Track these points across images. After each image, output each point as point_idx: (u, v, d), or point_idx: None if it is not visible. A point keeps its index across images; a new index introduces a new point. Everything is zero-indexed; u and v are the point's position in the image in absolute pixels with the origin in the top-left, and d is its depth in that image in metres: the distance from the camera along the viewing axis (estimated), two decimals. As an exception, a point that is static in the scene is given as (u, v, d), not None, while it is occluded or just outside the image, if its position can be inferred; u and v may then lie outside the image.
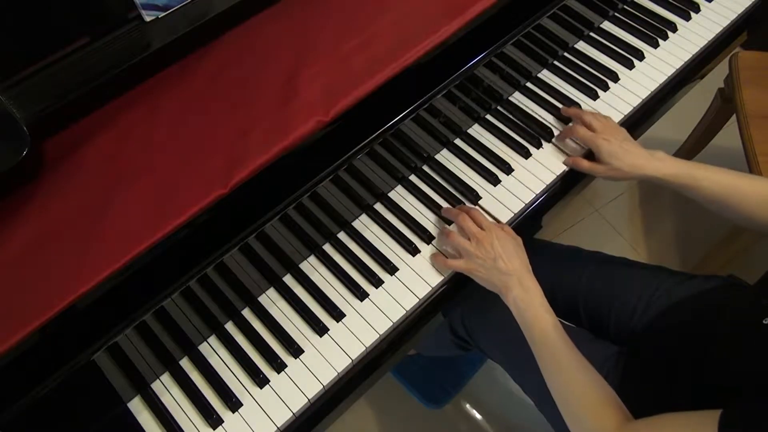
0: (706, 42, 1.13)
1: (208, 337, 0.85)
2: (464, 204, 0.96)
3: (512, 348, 0.99)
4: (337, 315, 0.86)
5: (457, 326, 1.09)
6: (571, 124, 1.01)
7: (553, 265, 1.05)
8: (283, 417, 0.80)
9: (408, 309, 0.87)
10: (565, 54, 1.12)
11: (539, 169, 0.99)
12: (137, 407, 0.80)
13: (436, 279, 0.89)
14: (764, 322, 0.68)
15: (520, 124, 1.04)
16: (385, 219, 0.94)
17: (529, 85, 1.09)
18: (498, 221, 0.93)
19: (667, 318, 0.92)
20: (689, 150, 1.75)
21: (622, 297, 0.98)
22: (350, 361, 0.83)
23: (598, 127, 0.95)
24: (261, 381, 0.82)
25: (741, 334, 0.74)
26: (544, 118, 1.05)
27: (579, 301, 1.02)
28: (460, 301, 1.03)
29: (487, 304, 1.00)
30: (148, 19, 0.78)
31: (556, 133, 1.03)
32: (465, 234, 0.88)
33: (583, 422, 0.73)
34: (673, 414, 0.64)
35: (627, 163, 0.91)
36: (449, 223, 0.93)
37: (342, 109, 0.77)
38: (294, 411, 0.80)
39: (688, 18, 1.17)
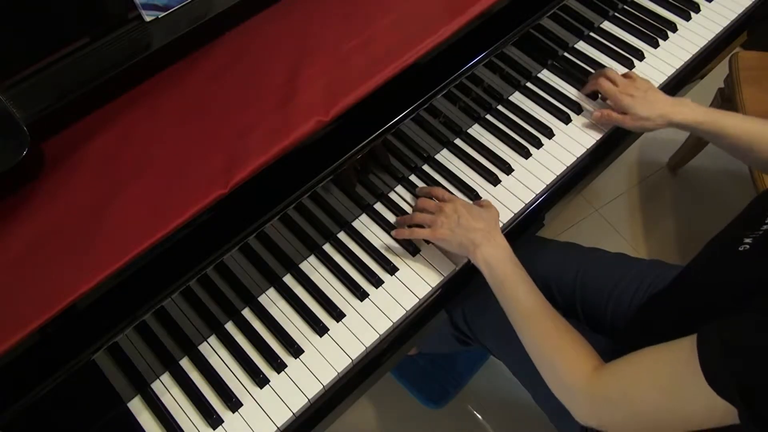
0: (706, 42, 1.13)
1: (208, 337, 0.85)
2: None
3: (512, 342, 0.99)
4: (337, 315, 0.86)
5: (458, 320, 1.09)
6: (594, 80, 1.04)
7: (551, 261, 1.05)
8: (283, 417, 0.80)
9: (408, 309, 0.87)
10: (565, 54, 1.12)
11: (539, 169, 0.99)
12: (137, 407, 0.80)
13: (436, 279, 0.89)
14: (740, 249, 0.68)
15: (520, 124, 1.04)
16: (385, 219, 0.94)
17: (529, 85, 1.09)
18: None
19: (662, 297, 0.92)
20: (689, 149, 1.75)
21: (619, 290, 0.98)
22: (350, 361, 0.83)
23: (621, 83, 0.99)
24: (261, 381, 0.82)
25: (720, 272, 0.74)
26: (544, 118, 1.05)
27: (576, 296, 1.03)
28: (462, 297, 1.04)
29: (489, 299, 1.00)
30: (148, 19, 0.78)
31: (556, 132, 1.03)
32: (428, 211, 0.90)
33: (559, 371, 0.73)
34: (647, 348, 0.64)
35: (653, 113, 0.94)
36: None
37: (342, 109, 0.78)
38: (294, 411, 0.80)
39: (688, 18, 1.17)
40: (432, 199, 0.93)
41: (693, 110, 0.93)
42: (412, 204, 0.96)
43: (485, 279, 0.86)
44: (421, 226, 0.90)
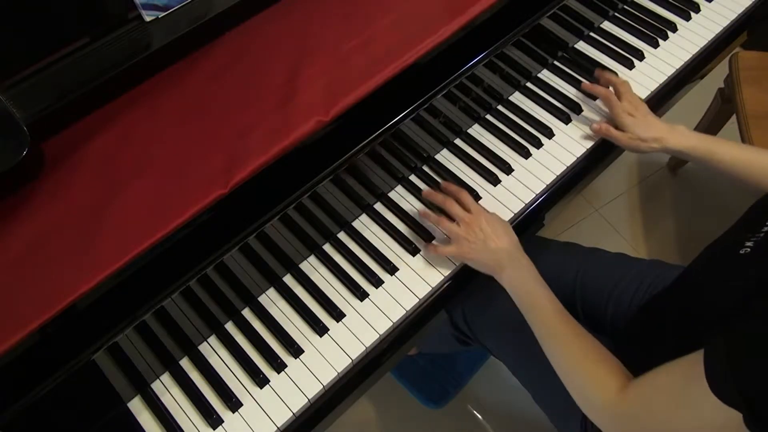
0: (706, 42, 1.13)
1: (208, 337, 0.85)
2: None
3: (512, 342, 0.99)
4: (337, 315, 0.86)
5: (458, 320, 1.10)
6: (599, 86, 1.03)
7: (551, 261, 1.05)
8: (283, 417, 0.80)
9: (408, 309, 0.87)
10: (565, 54, 1.12)
11: (539, 169, 0.99)
12: (137, 407, 0.80)
13: (436, 279, 0.89)
14: (740, 252, 0.69)
15: (520, 124, 1.04)
16: (385, 219, 0.94)
17: (529, 85, 1.09)
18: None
19: (662, 297, 0.92)
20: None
21: (619, 290, 0.98)
22: (350, 361, 0.83)
23: (627, 100, 0.99)
24: (261, 381, 0.82)
25: (721, 274, 0.74)
26: (544, 118, 1.05)
27: (576, 297, 1.03)
28: (462, 297, 1.04)
29: (489, 299, 1.01)
30: (148, 19, 0.78)
31: (556, 132, 1.03)
32: (454, 218, 0.89)
33: (585, 389, 0.74)
34: (664, 365, 0.65)
35: (649, 135, 0.95)
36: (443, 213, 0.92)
37: (342, 109, 0.78)
38: (294, 411, 0.80)
39: (688, 18, 1.17)
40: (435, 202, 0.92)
41: (687, 136, 0.94)
42: (413, 204, 0.96)
43: (485, 279, 0.86)
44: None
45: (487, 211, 0.89)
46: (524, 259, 0.85)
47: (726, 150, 0.91)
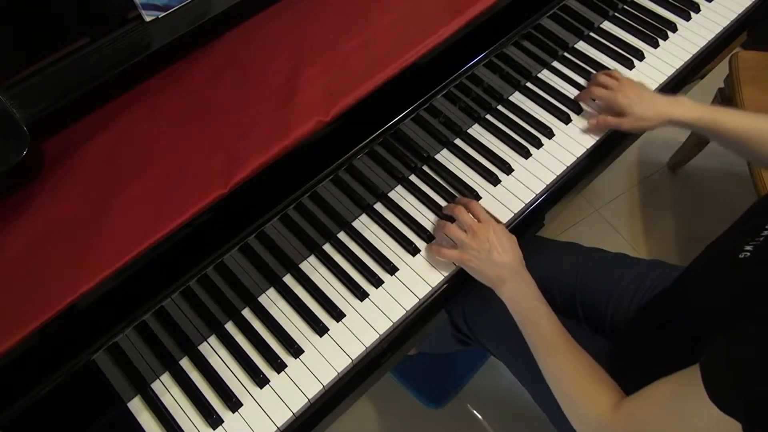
0: (706, 42, 1.13)
1: (208, 337, 0.85)
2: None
3: (512, 342, 0.99)
4: (337, 315, 0.86)
5: (459, 320, 1.10)
6: (587, 90, 1.03)
7: (551, 261, 1.05)
8: (283, 417, 0.80)
9: (408, 309, 0.87)
10: (565, 54, 1.12)
11: (539, 169, 0.99)
12: (137, 407, 0.80)
13: (436, 279, 0.89)
14: (740, 256, 0.68)
15: (520, 124, 1.04)
16: (385, 219, 0.94)
17: (529, 85, 1.09)
18: (497, 220, 0.94)
19: (662, 298, 0.92)
20: (689, 149, 1.75)
21: (619, 291, 0.98)
22: (350, 361, 0.83)
23: (614, 84, 0.98)
24: (261, 381, 0.82)
25: (720, 277, 0.74)
26: (544, 118, 1.05)
27: (576, 297, 1.03)
28: (462, 297, 1.04)
29: (489, 299, 1.00)
30: (148, 19, 0.78)
31: (556, 132, 1.03)
32: (462, 226, 0.89)
33: (579, 406, 0.74)
34: (657, 380, 0.65)
35: (651, 112, 0.94)
36: (450, 219, 0.93)
37: (342, 109, 0.77)
38: (294, 411, 0.80)
39: (688, 18, 1.17)
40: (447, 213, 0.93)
41: (690, 107, 0.93)
42: (413, 204, 0.96)
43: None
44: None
45: (496, 223, 0.89)
46: (526, 276, 0.85)
47: (731, 118, 0.89)
